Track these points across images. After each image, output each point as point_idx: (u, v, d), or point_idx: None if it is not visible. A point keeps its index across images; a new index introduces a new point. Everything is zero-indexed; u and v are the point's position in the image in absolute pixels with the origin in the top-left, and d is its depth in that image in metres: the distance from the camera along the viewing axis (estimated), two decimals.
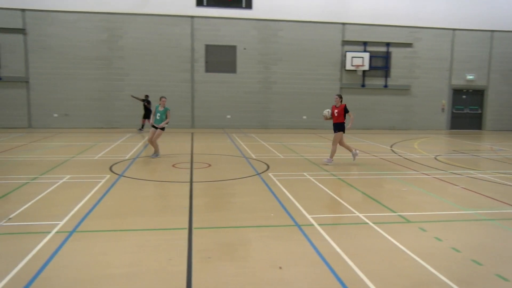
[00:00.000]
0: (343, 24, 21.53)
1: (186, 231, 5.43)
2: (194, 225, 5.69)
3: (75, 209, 6.31)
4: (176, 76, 20.56)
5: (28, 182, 8.16)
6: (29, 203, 6.63)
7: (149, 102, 18.04)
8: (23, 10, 19.15)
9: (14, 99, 19.41)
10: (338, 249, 4.83)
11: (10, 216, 5.91)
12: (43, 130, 18.77)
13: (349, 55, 21.45)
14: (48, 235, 5.15)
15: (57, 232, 5.29)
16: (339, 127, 10.92)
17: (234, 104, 21.14)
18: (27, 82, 19.51)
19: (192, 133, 18.14)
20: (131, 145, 13.83)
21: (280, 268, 4.34)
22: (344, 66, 21.65)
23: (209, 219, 6.03)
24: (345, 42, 21.66)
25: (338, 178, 9.07)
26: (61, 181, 8.23)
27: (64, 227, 5.49)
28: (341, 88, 21.93)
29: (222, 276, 4.15)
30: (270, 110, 21.59)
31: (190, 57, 20.62)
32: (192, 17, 20.35)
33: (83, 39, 19.66)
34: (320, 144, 15.37)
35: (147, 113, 17.91)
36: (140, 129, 18.56)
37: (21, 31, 19.20)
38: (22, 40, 19.30)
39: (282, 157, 11.94)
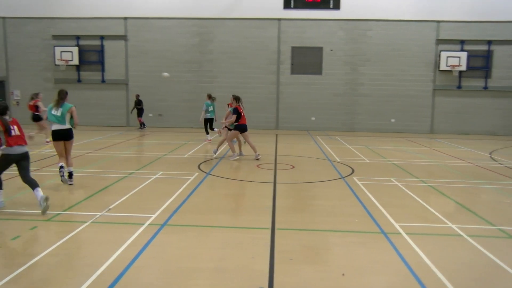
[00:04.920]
0: (438, 22, 20.24)
1: (269, 231, 5.48)
2: (277, 225, 5.73)
3: (166, 203, 6.70)
4: (262, 78, 20.92)
5: (125, 177, 8.84)
6: (126, 196, 7.18)
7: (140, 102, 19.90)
8: (125, 18, 20.84)
9: (115, 100, 21.18)
10: (427, 261, 4.55)
11: (110, 207, 6.45)
12: (133, 129, 20.22)
13: (444, 54, 20.11)
14: (142, 227, 5.53)
15: (150, 224, 5.67)
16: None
17: (319, 106, 20.94)
18: (126, 84, 21.20)
19: (276, 135, 18.32)
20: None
21: (343, 275, 4.20)
22: (438, 67, 20.34)
23: (292, 220, 6.04)
24: (440, 41, 20.35)
25: (429, 185, 8.54)
26: (154, 177, 8.80)
27: (156, 220, 5.86)
28: (434, 90, 20.64)
29: (303, 279, 4.13)
30: (357, 113, 21.02)
31: (276, 59, 20.85)
32: (279, 19, 20.56)
33: (177, 44, 20.85)
34: (409, 148, 14.61)
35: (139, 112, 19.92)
36: (142, 127, 19.91)
37: (123, 37, 20.91)
38: (123, 46, 21.02)
39: (368, 161, 11.55)
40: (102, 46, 21.03)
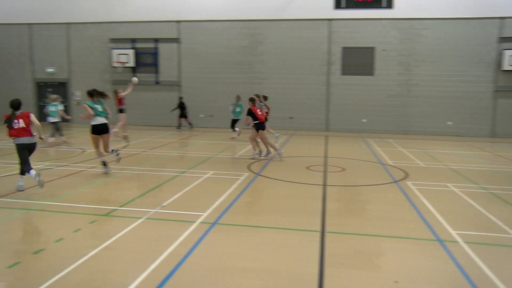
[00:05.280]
0: (501, 18, 19.10)
1: (319, 234, 5.42)
2: (327, 228, 5.65)
3: (217, 202, 6.81)
4: (312, 79, 20.74)
5: (178, 175, 9.08)
6: (179, 194, 7.38)
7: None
8: (178, 21, 21.44)
9: (168, 101, 21.79)
10: (489, 272, 4.30)
11: (164, 204, 6.65)
12: (185, 129, 20.70)
13: (508, 53, 18.94)
14: (193, 225, 5.66)
15: (201, 222, 5.78)
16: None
17: (370, 107, 20.44)
18: (179, 85, 21.80)
19: (326, 136, 18.10)
20: None
21: (396, 282, 4.04)
22: (500, 66, 19.20)
23: (343, 224, 5.93)
24: (503, 39, 19.18)
25: (490, 192, 8.07)
26: (205, 176, 8.97)
27: (207, 218, 5.97)
28: (495, 91, 19.50)
29: (355, 284, 4.04)
30: (410, 115, 20.30)
31: (326, 60, 20.60)
32: (329, 20, 20.30)
33: (228, 46, 21.16)
34: (467, 153, 13.90)
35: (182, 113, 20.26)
36: (190, 127, 20.25)
37: (176, 40, 21.53)
38: (176, 48, 21.63)
39: (423, 165, 11.12)
40: (156, 48, 21.76)
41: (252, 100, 11.86)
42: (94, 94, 9.36)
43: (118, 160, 9.48)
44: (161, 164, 10.45)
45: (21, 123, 7.41)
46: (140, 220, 5.83)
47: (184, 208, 6.52)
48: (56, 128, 14.07)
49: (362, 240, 5.28)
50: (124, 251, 4.78)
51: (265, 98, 14.68)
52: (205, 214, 6.13)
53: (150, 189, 7.78)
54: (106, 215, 6.12)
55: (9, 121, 7.43)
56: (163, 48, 21.75)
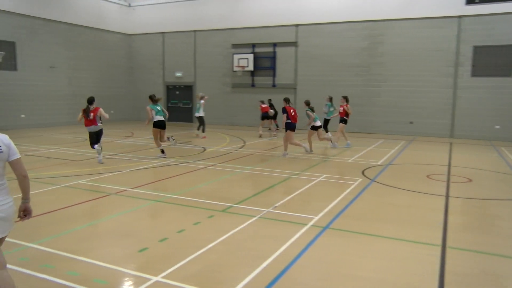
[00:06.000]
0: None
1: (439, 249, 5.01)
2: (448, 243, 5.20)
3: (329, 207, 6.73)
4: (437, 82, 19.25)
5: (290, 177, 9.20)
6: (291, 196, 7.47)
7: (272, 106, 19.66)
8: (296, 25, 21.72)
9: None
10: None
11: (276, 205, 6.79)
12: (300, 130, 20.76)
13: None
14: (305, 227, 5.67)
15: (312, 225, 5.77)
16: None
17: (505, 112, 18.21)
18: (295, 88, 22.06)
19: (450, 143, 16.65)
20: (384, 151, 13.76)
21: None
22: None
23: (468, 240, 5.40)
24: None
25: None
26: (318, 179, 8.94)
27: (318, 222, 5.93)
28: None
29: None
30: None
31: (453, 61, 18.94)
32: (459, 17, 18.62)
33: (345, 48, 20.76)
34: None
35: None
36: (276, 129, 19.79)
37: (294, 43, 21.83)
38: (293, 52, 21.93)
39: None
40: (274, 52, 22.33)
41: (286, 100, 12.66)
42: (153, 98, 11.68)
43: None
44: (275, 165, 10.69)
45: (91, 116, 10.42)
46: (254, 219, 6.03)
47: (296, 210, 6.57)
48: (201, 122, 16.44)
49: (490, 260, 4.74)
50: (238, 247, 5.00)
51: (346, 99, 14.61)
52: (317, 218, 6.10)
53: (264, 189, 8.01)
54: (223, 211, 6.47)
55: (85, 113, 10.47)
56: (280, 51, 22.23)
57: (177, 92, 25.13)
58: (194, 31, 24.18)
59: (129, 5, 25.69)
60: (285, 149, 12.34)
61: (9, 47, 18.92)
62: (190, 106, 24.64)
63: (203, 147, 13.66)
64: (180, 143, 14.59)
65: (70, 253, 4.67)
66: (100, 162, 10.34)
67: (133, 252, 4.80)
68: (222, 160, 11.31)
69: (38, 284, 3.97)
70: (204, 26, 23.84)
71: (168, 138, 12.40)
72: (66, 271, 4.21)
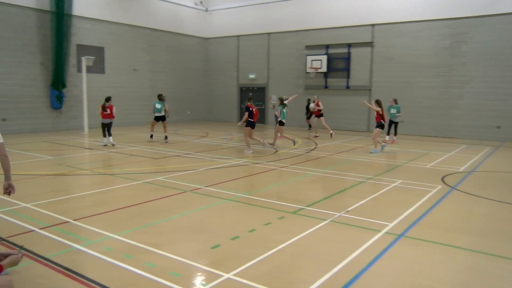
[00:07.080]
0: None
1: None
2: None
3: (405, 214, 6.43)
4: None
5: (364, 181, 8.93)
6: (364, 201, 7.25)
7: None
8: (372, 25, 21.06)
9: (358, 105, 21.56)
10: None
11: (348, 209, 6.63)
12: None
13: None
14: (378, 234, 5.47)
15: (386, 232, 5.55)
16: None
17: None
18: (369, 90, 21.38)
19: None
20: (466, 157, 12.87)
21: None
22: None
23: None
24: None
25: None
26: (393, 185, 8.58)
27: (393, 229, 5.69)
28: None
29: None
30: None
31: None
32: None
33: (424, 47, 19.72)
34: None
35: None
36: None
37: (370, 44, 21.18)
38: (369, 52, 21.28)
39: None
40: (349, 53, 21.85)
41: (249, 99, 13.58)
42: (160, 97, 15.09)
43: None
44: (347, 169, 10.44)
45: (108, 111, 13.55)
46: (325, 222, 5.94)
47: (369, 215, 6.36)
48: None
49: None
50: (309, 250, 4.95)
51: (378, 103, 13.91)
52: (391, 225, 5.86)
53: (335, 193, 7.86)
54: (294, 213, 6.45)
55: (103, 108, 13.54)
56: (355, 52, 21.70)
57: (250, 94, 25.55)
58: (268, 33, 24.43)
59: (206, 10, 26.62)
60: (248, 146, 13.01)
61: (98, 51, 20.52)
62: (262, 107, 24.90)
63: (275, 149, 13.74)
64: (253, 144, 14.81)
65: (148, 245, 4.94)
66: (112, 144, 13.58)
67: (206, 248, 4.95)
68: (293, 161, 11.29)
69: (119, 273, 4.24)
70: (278, 28, 23.99)
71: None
72: (144, 262, 4.45)
